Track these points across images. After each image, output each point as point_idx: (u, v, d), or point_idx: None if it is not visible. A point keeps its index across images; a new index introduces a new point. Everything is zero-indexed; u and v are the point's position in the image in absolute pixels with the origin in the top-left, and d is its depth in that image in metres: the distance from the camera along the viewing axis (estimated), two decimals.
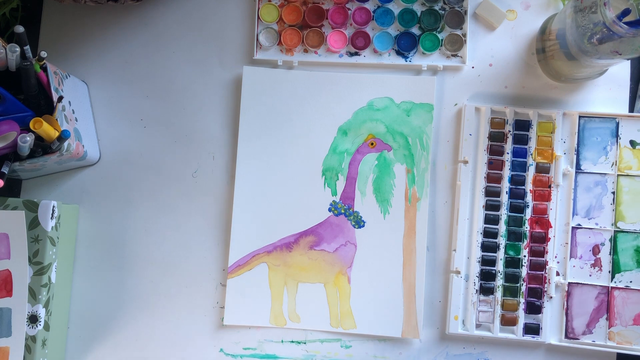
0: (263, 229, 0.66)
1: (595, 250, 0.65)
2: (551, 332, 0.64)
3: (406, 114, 0.67)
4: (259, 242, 0.66)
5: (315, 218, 0.67)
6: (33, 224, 0.59)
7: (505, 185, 0.65)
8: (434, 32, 0.67)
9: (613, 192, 0.65)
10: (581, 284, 0.65)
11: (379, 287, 0.65)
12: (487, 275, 0.65)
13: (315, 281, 0.66)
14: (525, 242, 0.65)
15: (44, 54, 0.57)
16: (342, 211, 0.66)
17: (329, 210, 0.67)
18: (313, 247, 0.66)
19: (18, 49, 0.55)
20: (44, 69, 0.58)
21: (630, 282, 0.64)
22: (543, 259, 0.65)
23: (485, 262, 0.65)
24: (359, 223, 0.66)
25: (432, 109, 0.67)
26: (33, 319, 0.59)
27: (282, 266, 0.66)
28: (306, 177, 0.67)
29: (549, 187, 0.65)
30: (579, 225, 0.65)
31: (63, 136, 0.56)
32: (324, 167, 0.67)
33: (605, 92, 0.67)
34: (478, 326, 0.65)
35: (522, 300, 0.64)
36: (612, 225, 0.65)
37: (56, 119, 0.57)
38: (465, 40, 0.67)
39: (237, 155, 0.67)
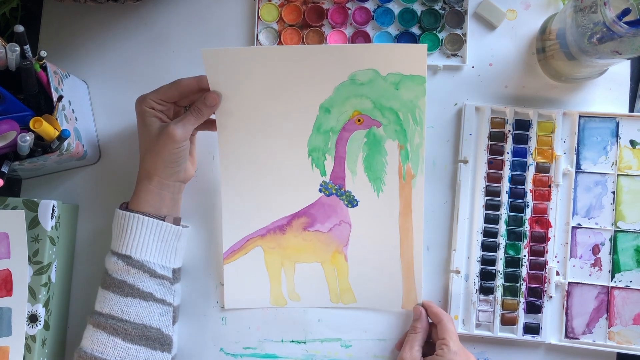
0: (254, 213, 0.65)
1: (595, 250, 0.65)
2: (551, 332, 0.64)
3: (394, 87, 0.60)
4: (251, 226, 0.65)
5: (306, 199, 0.64)
6: (33, 223, 0.59)
7: (505, 185, 0.65)
8: (434, 32, 0.67)
9: (613, 192, 0.65)
10: (581, 283, 0.65)
11: (377, 264, 0.65)
12: (487, 275, 0.65)
13: (312, 261, 0.65)
14: (525, 241, 0.65)
15: (43, 53, 0.57)
16: (333, 191, 0.64)
17: (320, 191, 0.64)
18: (307, 228, 0.65)
19: (18, 49, 0.55)
20: (44, 69, 0.58)
21: (630, 281, 0.64)
22: (543, 258, 0.65)
23: (485, 261, 0.65)
24: (352, 202, 0.64)
25: (424, 81, 0.60)
26: (33, 319, 0.59)
27: (278, 248, 0.65)
28: (293, 159, 0.63)
29: (549, 186, 0.65)
30: (579, 225, 0.65)
31: (63, 136, 0.56)
32: (309, 148, 0.63)
33: (605, 91, 0.67)
34: (478, 326, 0.65)
35: (522, 299, 0.64)
36: (612, 225, 0.65)
37: (56, 119, 0.57)
38: (465, 40, 0.67)
39: (219, 143, 0.63)
